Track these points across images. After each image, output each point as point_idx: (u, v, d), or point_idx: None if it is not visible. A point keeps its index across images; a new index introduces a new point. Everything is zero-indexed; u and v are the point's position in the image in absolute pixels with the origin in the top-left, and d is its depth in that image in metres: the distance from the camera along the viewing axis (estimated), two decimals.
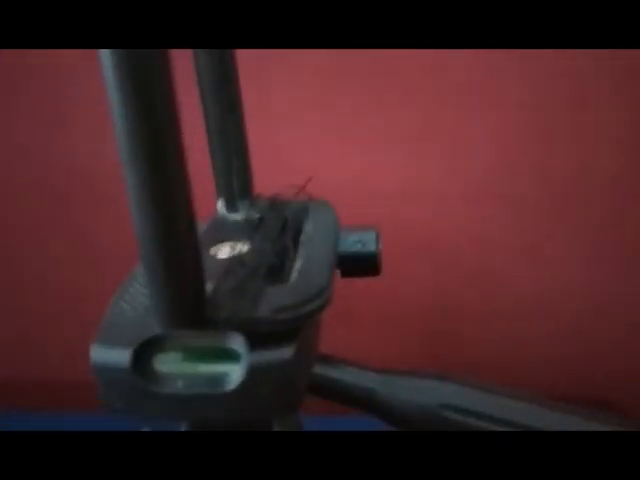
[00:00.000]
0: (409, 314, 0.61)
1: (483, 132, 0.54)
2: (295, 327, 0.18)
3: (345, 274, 0.28)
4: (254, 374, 0.18)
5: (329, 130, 0.54)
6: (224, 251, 0.22)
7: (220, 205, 0.25)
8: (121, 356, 0.18)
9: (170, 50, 0.15)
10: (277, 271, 0.21)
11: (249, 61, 0.27)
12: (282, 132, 0.53)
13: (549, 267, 0.58)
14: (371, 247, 0.26)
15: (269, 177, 0.26)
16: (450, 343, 0.62)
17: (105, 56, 0.14)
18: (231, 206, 0.25)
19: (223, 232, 0.23)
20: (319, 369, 0.28)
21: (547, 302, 0.60)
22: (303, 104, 0.53)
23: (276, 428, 0.24)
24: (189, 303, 0.18)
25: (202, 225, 0.24)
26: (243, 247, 0.22)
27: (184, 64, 0.20)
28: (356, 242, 0.26)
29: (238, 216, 0.25)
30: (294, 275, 0.20)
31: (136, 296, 0.21)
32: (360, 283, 0.30)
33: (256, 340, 0.18)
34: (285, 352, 0.18)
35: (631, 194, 0.56)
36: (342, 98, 0.53)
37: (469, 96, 0.53)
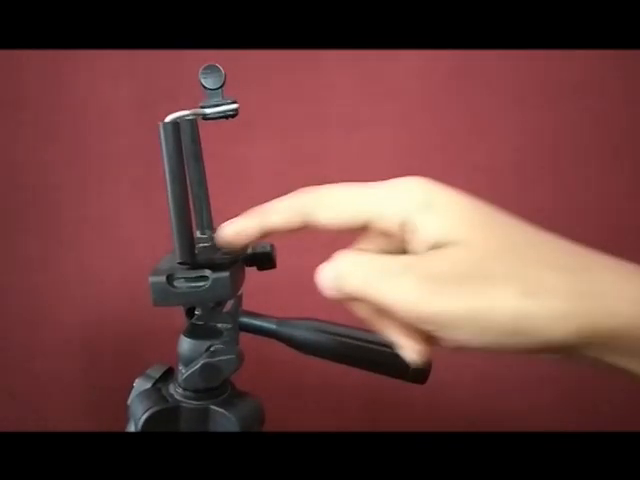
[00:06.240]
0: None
1: None
2: (229, 264, 0.49)
3: (259, 268, 0.58)
4: (214, 283, 0.48)
5: None
6: (201, 245, 0.52)
7: (198, 232, 0.56)
8: (162, 278, 0.48)
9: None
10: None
11: None
12: None
13: None
14: (268, 249, 0.57)
15: None
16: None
17: None
18: (201, 232, 0.55)
19: (199, 240, 0.54)
20: (246, 319, 0.58)
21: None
22: None
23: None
24: (188, 255, 0.47)
25: None
26: (208, 243, 0.52)
27: None
28: (261, 247, 0.57)
29: (205, 235, 0.55)
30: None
31: (164, 262, 0.50)
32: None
33: (215, 269, 0.48)
34: (224, 274, 0.48)
35: None
36: None
37: None
